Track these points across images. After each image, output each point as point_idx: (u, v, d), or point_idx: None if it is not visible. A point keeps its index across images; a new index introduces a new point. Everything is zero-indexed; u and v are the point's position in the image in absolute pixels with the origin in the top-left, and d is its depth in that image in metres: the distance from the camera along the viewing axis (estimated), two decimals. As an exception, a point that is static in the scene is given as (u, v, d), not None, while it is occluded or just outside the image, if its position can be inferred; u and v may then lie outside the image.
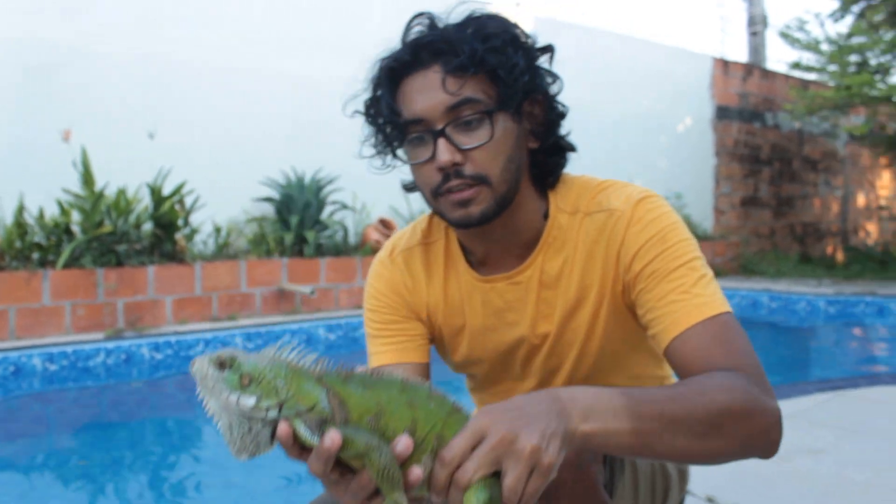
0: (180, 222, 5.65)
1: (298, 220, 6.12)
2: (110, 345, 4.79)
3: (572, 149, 1.27)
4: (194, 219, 5.84)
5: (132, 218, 5.48)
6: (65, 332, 5.05)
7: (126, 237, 5.40)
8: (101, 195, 5.29)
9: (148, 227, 5.59)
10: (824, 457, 2.83)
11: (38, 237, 5.29)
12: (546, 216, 1.25)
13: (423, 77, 1.14)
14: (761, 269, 9.24)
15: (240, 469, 3.24)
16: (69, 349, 4.67)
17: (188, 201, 5.75)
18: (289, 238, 6.01)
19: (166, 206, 5.48)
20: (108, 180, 5.44)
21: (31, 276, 4.97)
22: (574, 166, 1.29)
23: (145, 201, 5.68)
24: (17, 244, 5.16)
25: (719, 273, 9.08)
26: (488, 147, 1.13)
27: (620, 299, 1.23)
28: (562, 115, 1.25)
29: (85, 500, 2.94)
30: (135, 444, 3.61)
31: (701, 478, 2.71)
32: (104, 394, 4.43)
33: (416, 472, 0.86)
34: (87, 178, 5.35)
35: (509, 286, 1.26)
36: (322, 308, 5.92)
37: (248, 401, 0.80)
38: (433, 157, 1.13)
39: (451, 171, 1.13)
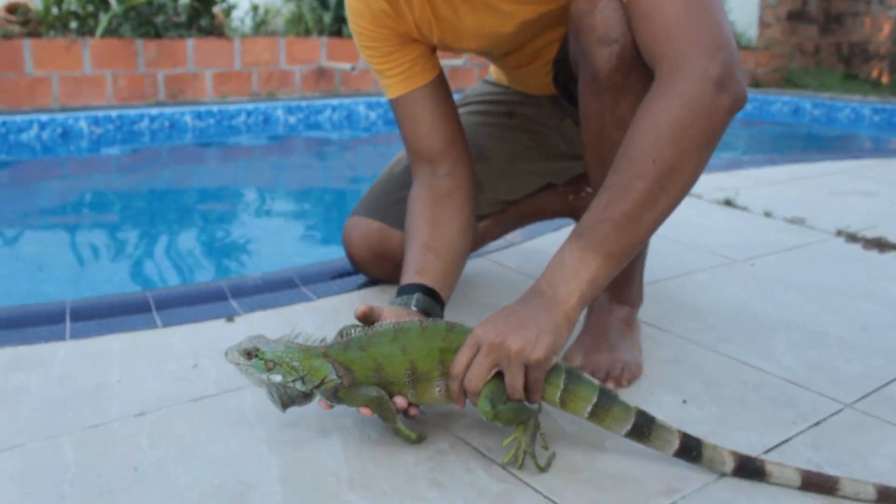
0: (217, -4, 5.51)
1: (337, 0, 5.95)
2: (154, 111, 4.80)
3: None
4: (230, -6, 5.69)
5: (169, -11, 5.34)
6: (107, 102, 5.05)
7: (163, 9, 5.28)
8: (135, -37, 5.14)
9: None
10: (876, 197, 2.84)
11: (75, 6, 5.19)
12: None
13: None
14: (804, 82, 8.99)
15: (276, 225, 3.31)
16: (114, 114, 4.69)
17: (224, -26, 5.58)
18: (327, 17, 5.87)
19: (203, -23, 5.32)
20: (142, -52, 5.26)
21: (71, 44, 4.91)
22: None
23: (181, -28, 5.52)
24: (54, 11, 5.08)
25: (760, 84, 8.85)
26: None
27: None
28: None
29: (130, 245, 3.02)
30: (177, 205, 3.67)
31: (758, 198, 2.75)
32: (148, 158, 4.48)
33: (399, 401, 1.03)
34: (121, -55, 5.18)
35: None
36: (361, 89, 5.87)
37: (276, 378, 1.01)
38: None
39: None
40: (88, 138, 4.58)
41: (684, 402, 1.20)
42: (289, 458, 1.02)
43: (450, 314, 1.45)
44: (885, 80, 10.29)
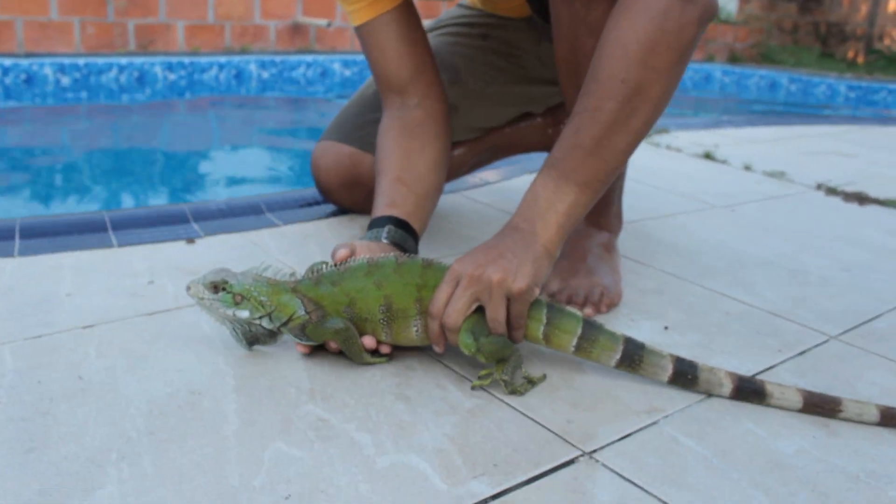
0: (190, -55, 5.35)
1: (314, -45, 5.80)
2: (123, 61, 4.65)
3: None
4: (204, -56, 5.52)
5: (140, -65, 5.17)
6: (74, 50, 4.89)
7: (134, -44, 5.12)
8: None
9: (156, -53, 5.29)
10: (855, 158, 2.82)
11: (41, -50, 5.01)
12: None
13: None
14: (781, 59, 8.97)
15: (244, 170, 3.22)
16: (81, 61, 4.54)
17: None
18: (304, -28, 5.73)
19: (175, -76, 5.15)
20: None
21: (36, -12, 4.74)
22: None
23: (153, -81, 5.34)
24: (20, -46, 4.90)
25: (738, 59, 8.83)
26: None
27: None
28: None
29: (94, 185, 2.92)
30: (143, 151, 3.56)
31: (738, 154, 2.71)
32: (115, 108, 4.35)
33: (368, 340, 0.97)
34: None
35: None
36: (337, 47, 5.74)
37: (243, 314, 0.95)
38: None
39: None
40: (54, 85, 4.43)
41: (666, 328, 1.15)
42: (246, 369, 0.96)
43: (424, 246, 1.39)
44: (860, 60, 10.32)
